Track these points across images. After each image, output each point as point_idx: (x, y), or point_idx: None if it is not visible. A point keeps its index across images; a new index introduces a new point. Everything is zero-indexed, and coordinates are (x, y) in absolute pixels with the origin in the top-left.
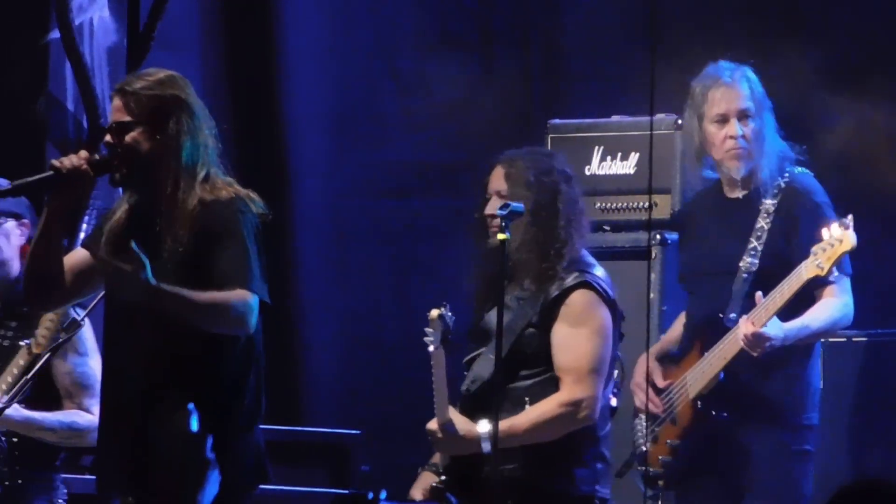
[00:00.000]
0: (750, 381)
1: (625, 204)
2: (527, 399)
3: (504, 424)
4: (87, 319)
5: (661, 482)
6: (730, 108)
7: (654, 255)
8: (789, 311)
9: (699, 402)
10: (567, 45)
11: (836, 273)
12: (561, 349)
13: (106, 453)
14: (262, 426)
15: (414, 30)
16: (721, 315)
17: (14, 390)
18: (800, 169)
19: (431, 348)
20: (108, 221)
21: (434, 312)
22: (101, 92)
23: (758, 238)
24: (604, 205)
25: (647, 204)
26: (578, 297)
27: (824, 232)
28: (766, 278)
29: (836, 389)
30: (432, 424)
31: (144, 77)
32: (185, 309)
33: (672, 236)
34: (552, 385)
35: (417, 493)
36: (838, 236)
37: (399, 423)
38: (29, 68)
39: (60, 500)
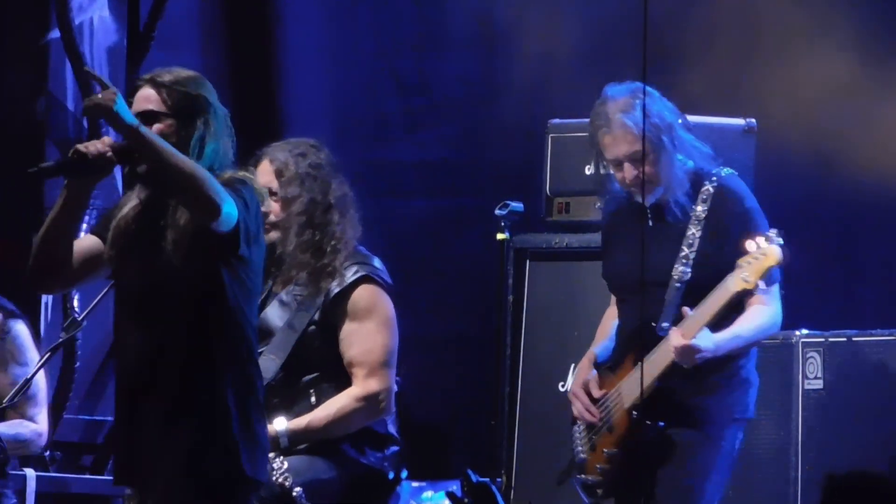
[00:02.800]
0: (684, 389)
1: None
2: (312, 392)
3: (302, 421)
4: (23, 326)
5: (599, 490)
6: (618, 155)
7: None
8: (719, 319)
9: (634, 412)
10: (567, 44)
11: (762, 286)
12: (350, 344)
13: (122, 445)
14: None
15: (414, 30)
16: (654, 324)
17: (14, 390)
18: (726, 170)
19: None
20: (116, 212)
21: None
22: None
23: (689, 246)
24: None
25: None
26: (362, 292)
27: (749, 244)
28: (699, 287)
29: (836, 390)
30: None
31: (175, 73)
32: (164, 156)
33: None
34: (336, 380)
35: None
36: (763, 250)
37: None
38: (29, 68)
39: None
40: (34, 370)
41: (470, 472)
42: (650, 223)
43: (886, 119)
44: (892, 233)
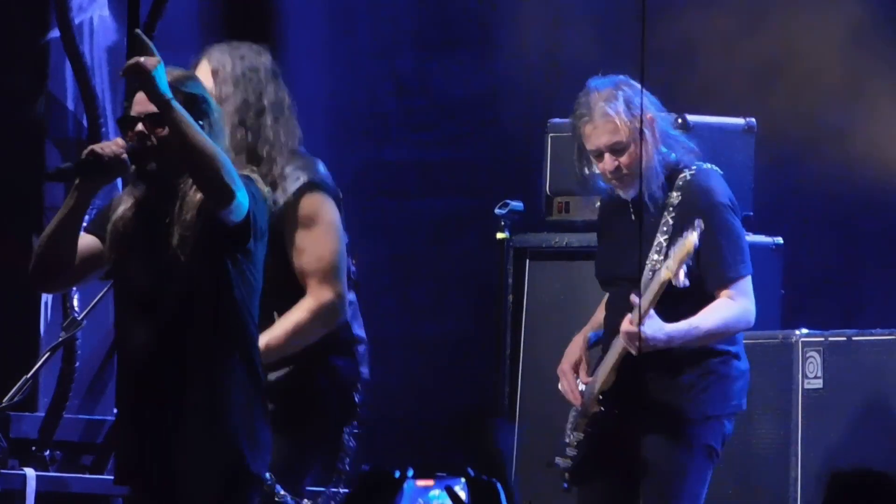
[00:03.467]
0: (655, 387)
1: None
2: (271, 309)
3: (261, 341)
4: None
5: (566, 475)
6: (600, 144)
7: None
8: (669, 311)
9: (601, 397)
10: (566, 44)
11: (682, 276)
12: (300, 254)
13: (124, 444)
14: None
15: (414, 29)
16: (629, 314)
17: (14, 390)
18: (708, 165)
19: None
20: (110, 212)
21: None
22: (101, 91)
23: (664, 233)
24: None
25: None
26: (307, 200)
27: (686, 233)
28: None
29: (835, 389)
30: None
31: (174, 73)
32: (190, 133)
33: None
34: (294, 292)
35: None
36: (685, 238)
37: (399, 422)
38: (29, 68)
39: None
40: (34, 369)
41: (471, 470)
42: (632, 217)
43: (887, 118)
44: (892, 233)
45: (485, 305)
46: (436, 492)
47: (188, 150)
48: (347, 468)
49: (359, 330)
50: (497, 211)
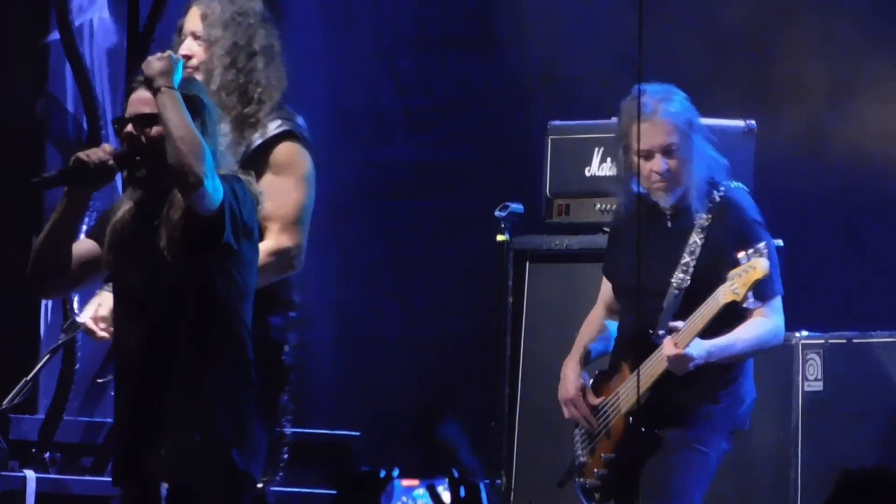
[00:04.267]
0: (680, 398)
1: None
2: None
3: None
4: None
5: (596, 494)
6: (654, 144)
7: None
8: (716, 329)
9: (631, 418)
10: (567, 45)
11: (751, 299)
12: (267, 198)
13: (121, 445)
14: None
15: (414, 29)
16: (651, 332)
17: (14, 392)
18: (735, 183)
19: None
20: (111, 215)
21: None
22: (101, 93)
23: (691, 253)
24: (603, 206)
25: None
26: (284, 147)
27: (741, 256)
28: (696, 296)
29: (836, 391)
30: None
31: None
32: (172, 113)
33: None
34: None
35: None
36: (752, 263)
37: (399, 424)
38: (29, 69)
39: None
40: (34, 371)
41: (455, 471)
42: (668, 225)
43: (888, 119)
44: (892, 235)
45: (485, 307)
46: (420, 491)
47: (166, 128)
48: (288, 431)
49: (295, 295)
50: (497, 213)
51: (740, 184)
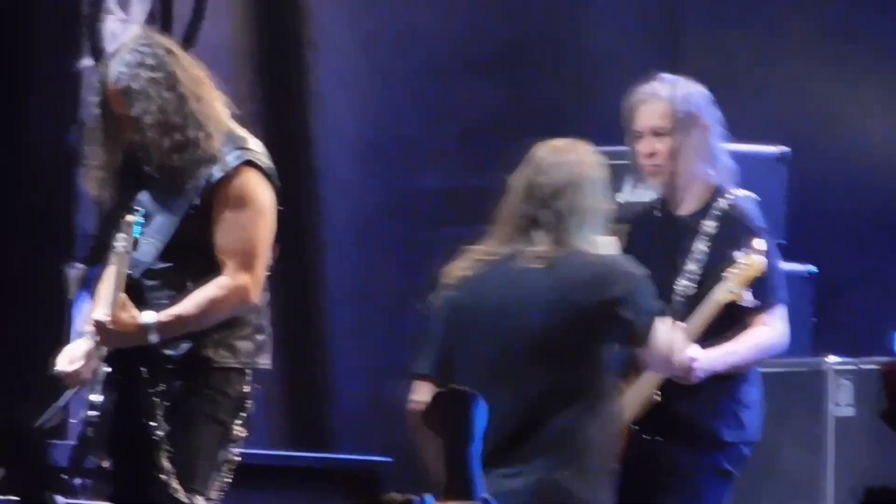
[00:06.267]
0: (682, 404)
1: None
2: (188, 279)
3: (172, 312)
4: None
5: None
6: (644, 125)
7: None
8: (717, 335)
9: (634, 426)
10: (597, 71)
11: (748, 297)
12: (224, 232)
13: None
14: (289, 451)
15: (442, 54)
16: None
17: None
18: (744, 192)
19: (121, 250)
20: None
21: (130, 218)
22: None
23: (696, 261)
24: None
25: None
26: (242, 178)
27: (737, 254)
28: (701, 302)
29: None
30: (101, 315)
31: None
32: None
33: None
34: (214, 267)
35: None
36: (748, 260)
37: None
38: (61, 96)
39: None
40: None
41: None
42: (672, 231)
43: None
44: None
45: None
46: None
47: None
48: (238, 458)
49: (264, 320)
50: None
51: (748, 193)
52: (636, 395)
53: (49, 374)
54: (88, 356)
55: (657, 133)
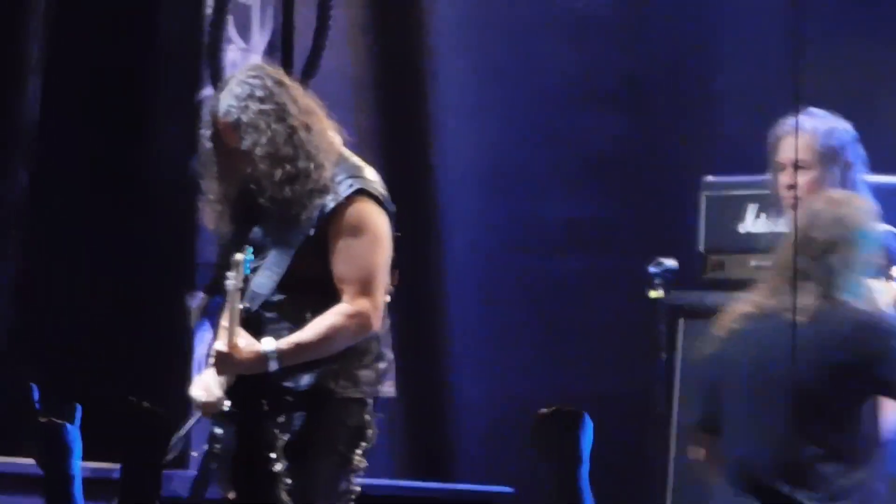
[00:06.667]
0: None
1: None
2: (307, 309)
3: (292, 340)
4: None
5: None
6: (786, 157)
7: None
8: None
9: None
10: (719, 103)
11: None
12: (342, 260)
13: None
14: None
15: (564, 86)
16: None
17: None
18: (885, 226)
19: (231, 287)
20: None
21: (239, 256)
22: None
23: None
24: (759, 263)
25: None
26: (357, 207)
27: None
28: None
29: None
30: (221, 346)
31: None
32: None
33: None
34: (331, 297)
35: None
36: (886, 286)
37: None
38: (181, 126)
39: None
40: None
41: None
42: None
43: None
44: None
45: (633, 364)
46: None
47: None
48: (358, 488)
49: (385, 348)
50: (651, 269)
51: (891, 228)
52: None
53: (184, 399)
54: (222, 386)
55: (799, 166)
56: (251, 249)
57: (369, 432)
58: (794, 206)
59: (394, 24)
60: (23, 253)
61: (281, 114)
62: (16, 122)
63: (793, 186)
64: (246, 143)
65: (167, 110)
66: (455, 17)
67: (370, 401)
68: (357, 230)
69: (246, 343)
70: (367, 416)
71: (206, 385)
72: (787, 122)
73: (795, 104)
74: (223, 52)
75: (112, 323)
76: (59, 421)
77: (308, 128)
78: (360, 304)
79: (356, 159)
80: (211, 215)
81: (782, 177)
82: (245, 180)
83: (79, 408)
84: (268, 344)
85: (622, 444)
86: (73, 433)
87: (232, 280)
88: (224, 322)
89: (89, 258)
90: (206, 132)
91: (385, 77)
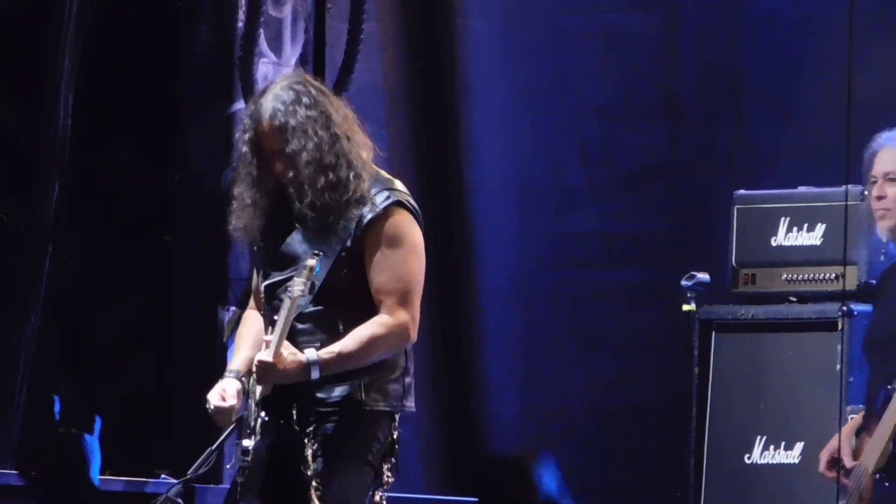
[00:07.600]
0: None
1: (811, 275)
2: (340, 320)
3: (333, 349)
4: None
5: None
6: (878, 170)
7: (840, 326)
8: None
9: (878, 475)
10: (756, 118)
11: None
12: (380, 272)
13: None
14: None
15: (598, 100)
16: (889, 386)
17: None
18: None
19: (297, 293)
20: None
21: (311, 262)
22: None
23: None
24: (790, 276)
25: (833, 275)
26: (394, 219)
27: None
28: None
29: None
30: (264, 356)
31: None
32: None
33: (859, 308)
34: (365, 308)
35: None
36: None
37: (588, 493)
38: (214, 140)
39: None
40: (220, 440)
41: None
42: None
43: None
44: None
45: (668, 377)
46: None
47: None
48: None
49: (410, 363)
50: (683, 283)
51: None
52: (876, 445)
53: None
54: (240, 395)
55: (890, 178)
56: (321, 255)
57: (397, 447)
58: (883, 218)
59: (427, 37)
60: (55, 266)
61: (326, 122)
62: (48, 135)
63: (882, 198)
64: (292, 147)
65: (199, 124)
66: (488, 31)
67: (398, 415)
68: (395, 242)
69: (289, 352)
70: (395, 431)
71: (222, 392)
72: (882, 136)
73: (847, 116)
74: (255, 65)
75: (144, 337)
76: (79, 431)
77: (349, 138)
78: (400, 316)
79: (384, 173)
80: (241, 221)
81: (874, 189)
82: (279, 187)
83: (98, 419)
84: (310, 353)
85: (655, 456)
86: (92, 443)
87: (299, 286)
88: (247, 331)
89: (121, 272)
90: (243, 136)
91: (418, 91)
